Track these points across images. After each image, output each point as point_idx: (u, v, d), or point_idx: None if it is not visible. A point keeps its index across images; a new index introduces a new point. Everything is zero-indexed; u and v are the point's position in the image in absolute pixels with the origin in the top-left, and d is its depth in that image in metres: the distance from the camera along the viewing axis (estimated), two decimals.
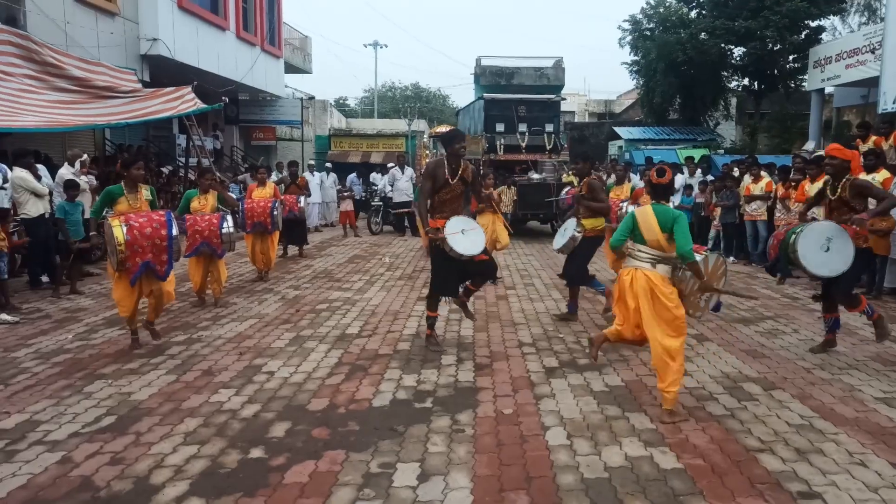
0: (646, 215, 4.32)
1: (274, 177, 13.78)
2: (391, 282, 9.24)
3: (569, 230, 6.82)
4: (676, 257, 4.24)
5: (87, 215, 8.55)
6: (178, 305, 7.47)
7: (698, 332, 6.29)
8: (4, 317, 6.81)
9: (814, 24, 23.44)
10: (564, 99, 19.41)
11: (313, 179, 16.35)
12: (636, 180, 11.17)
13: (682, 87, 24.76)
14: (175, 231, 5.71)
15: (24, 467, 3.57)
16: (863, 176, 6.41)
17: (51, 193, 8.83)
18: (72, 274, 8.46)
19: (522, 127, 15.86)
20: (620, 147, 24.12)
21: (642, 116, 28.70)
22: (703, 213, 11.75)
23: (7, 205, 8.29)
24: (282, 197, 10.53)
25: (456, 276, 5.76)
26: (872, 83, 16.05)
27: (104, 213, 5.95)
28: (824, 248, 5.22)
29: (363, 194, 18.21)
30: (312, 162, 20.66)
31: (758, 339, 6.10)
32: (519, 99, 16.52)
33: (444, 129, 18.52)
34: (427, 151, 25.79)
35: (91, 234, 6.29)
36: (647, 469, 3.51)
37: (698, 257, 4.37)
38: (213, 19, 17.84)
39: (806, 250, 5.24)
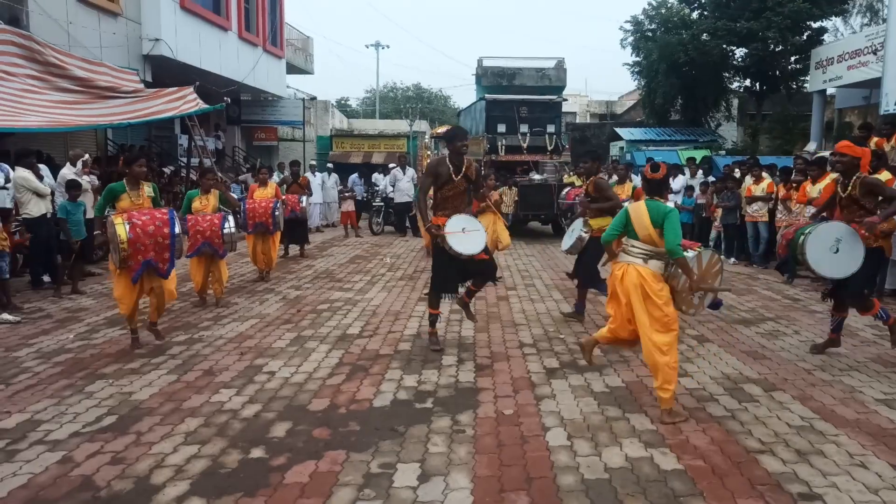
0: (638, 210, 4.34)
1: (276, 177, 13.78)
2: (392, 282, 9.25)
3: (576, 231, 6.80)
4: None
5: (88, 215, 8.56)
6: (180, 305, 7.48)
7: (699, 334, 6.29)
8: (6, 316, 6.82)
9: (816, 25, 23.45)
10: (566, 100, 19.40)
11: (315, 180, 16.36)
12: (637, 180, 11.16)
13: (683, 88, 24.77)
14: (178, 229, 5.73)
15: (24, 467, 3.58)
16: None
17: (53, 193, 8.85)
18: (73, 274, 8.47)
19: (524, 128, 15.84)
20: (622, 148, 24.13)
21: (644, 117, 28.72)
22: (704, 214, 11.75)
23: (9, 205, 8.32)
24: (284, 196, 10.53)
25: (456, 275, 5.76)
26: (874, 84, 16.04)
27: (107, 211, 5.96)
28: (833, 250, 5.13)
29: (364, 195, 18.22)
30: (314, 162, 20.67)
31: (758, 341, 6.09)
32: (520, 100, 16.49)
33: (445, 129, 18.50)
34: (428, 152, 25.81)
35: (96, 232, 6.30)
36: (647, 470, 3.52)
37: (692, 254, 4.35)
38: (216, 20, 17.88)
39: (814, 252, 5.16)
